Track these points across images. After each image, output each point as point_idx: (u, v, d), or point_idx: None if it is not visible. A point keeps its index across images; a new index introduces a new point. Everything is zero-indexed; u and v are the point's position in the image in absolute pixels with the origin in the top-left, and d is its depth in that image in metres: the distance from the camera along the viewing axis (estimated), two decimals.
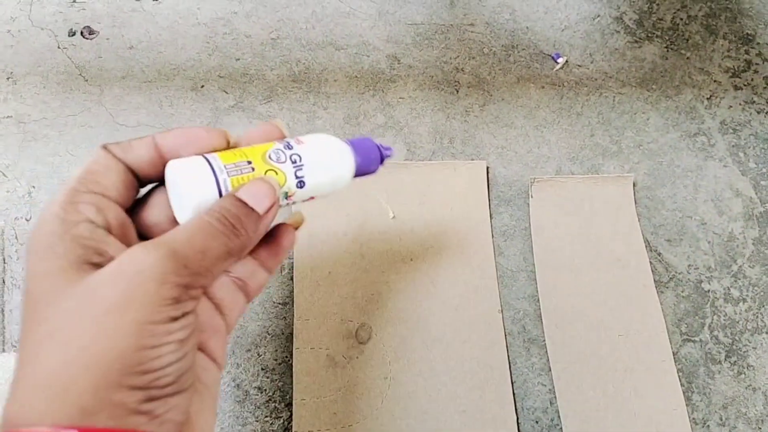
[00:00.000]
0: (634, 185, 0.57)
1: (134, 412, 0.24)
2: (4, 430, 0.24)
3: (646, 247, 0.55)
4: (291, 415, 0.47)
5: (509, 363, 0.50)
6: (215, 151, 0.32)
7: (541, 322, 0.51)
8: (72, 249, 0.26)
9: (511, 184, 0.57)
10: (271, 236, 0.36)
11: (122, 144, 0.30)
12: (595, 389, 0.49)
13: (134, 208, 0.31)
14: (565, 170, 0.58)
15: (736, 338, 0.52)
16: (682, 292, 0.53)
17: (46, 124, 0.56)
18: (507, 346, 0.50)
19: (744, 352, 0.52)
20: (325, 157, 0.35)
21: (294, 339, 0.49)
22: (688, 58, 0.65)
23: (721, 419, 0.49)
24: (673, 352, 0.51)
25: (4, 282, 0.50)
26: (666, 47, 0.65)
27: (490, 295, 0.52)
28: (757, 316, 0.53)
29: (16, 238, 0.51)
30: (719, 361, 0.51)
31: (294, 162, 0.33)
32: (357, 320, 0.50)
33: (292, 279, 0.51)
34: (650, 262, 0.54)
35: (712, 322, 0.53)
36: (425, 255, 0.53)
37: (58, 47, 0.60)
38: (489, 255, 0.53)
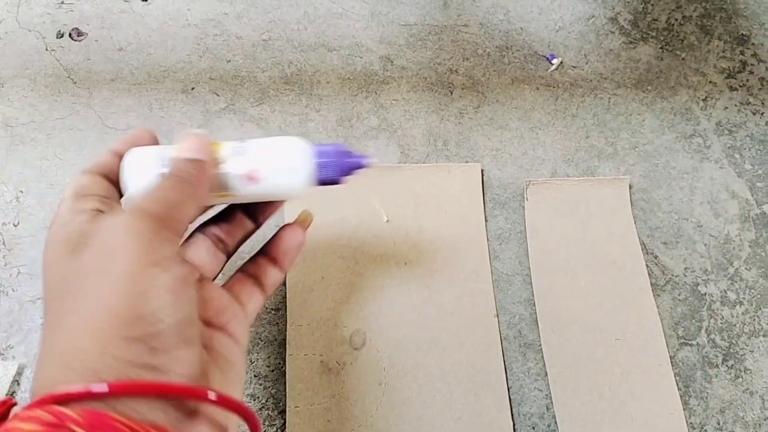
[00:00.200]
0: (629, 187, 0.57)
1: (139, 366, 0.26)
2: (35, 390, 0.26)
3: (642, 249, 0.54)
4: (284, 422, 0.46)
5: (505, 368, 0.49)
6: None
7: (537, 327, 0.51)
8: (74, 229, 0.30)
9: (506, 187, 0.56)
10: (280, 237, 0.39)
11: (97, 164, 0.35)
12: (592, 394, 0.49)
13: None
14: (560, 172, 0.57)
15: (733, 341, 0.52)
16: (679, 295, 0.53)
17: (33, 127, 0.55)
18: (503, 351, 0.50)
19: (741, 355, 0.51)
20: (273, 150, 0.35)
21: (287, 345, 0.48)
22: (683, 58, 0.64)
23: (719, 423, 0.49)
24: (670, 356, 0.50)
25: None
26: (661, 48, 0.65)
27: (486, 299, 0.51)
28: (754, 319, 0.53)
29: (4, 243, 0.50)
30: (716, 365, 0.51)
31: (236, 149, 0.35)
32: (351, 326, 0.49)
33: (284, 284, 0.50)
34: (646, 265, 0.53)
35: (708, 326, 0.52)
36: (420, 259, 0.52)
37: (46, 49, 0.59)
38: (484, 259, 0.53)
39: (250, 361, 0.48)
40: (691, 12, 0.67)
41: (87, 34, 0.60)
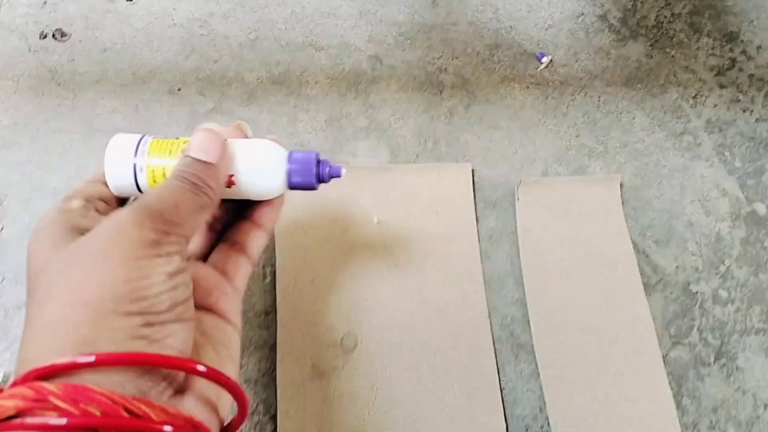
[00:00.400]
0: (621, 186, 0.56)
1: (133, 337, 0.26)
2: (19, 368, 0.26)
3: (634, 248, 0.54)
4: (275, 428, 0.46)
5: (498, 370, 0.49)
6: None
7: (530, 327, 0.51)
8: (63, 223, 0.30)
9: (496, 187, 0.56)
10: None
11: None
12: (585, 395, 0.48)
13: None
14: (551, 171, 0.57)
15: (725, 340, 0.52)
16: (671, 294, 0.53)
17: (17, 130, 0.54)
18: (495, 353, 0.50)
19: (733, 353, 0.51)
20: (248, 152, 0.36)
21: (277, 349, 0.48)
22: (672, 56, 0.64)
23: (711, 423, 0.49)
24: (662, 356, 0.50)
25: None
26: (651, 45, 0.65)
27: (478, 300, 0.51)
28: (746, 317, 0.53)
29: None
30: (708, 364, 0.51)
31: None
32: (342, 328, 0.49)
33: (274, 287, 0.50)
34: (638, 264, 0.53)
35: (700, 324, 0.52)
36: (411, 261, 0.52)
37: (29, 50, 0.58)
38: (476, 260, 0.52)
39: (241, 366, 0.48)
40: (680, 9, 0.67)
41: (71, 34, 0.59)
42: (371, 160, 0.56)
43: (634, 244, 0.54)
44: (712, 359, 0.51)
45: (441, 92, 0.60)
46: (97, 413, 0.24)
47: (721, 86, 0.63)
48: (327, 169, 0.38)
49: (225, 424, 0.32)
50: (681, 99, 0.62)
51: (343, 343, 0.48)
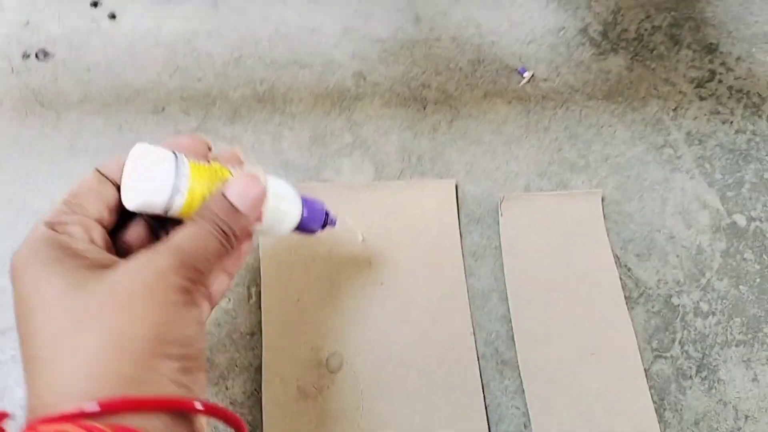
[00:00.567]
0: (602, 200, 0.57)
1: (173, 382, 0.27)
2: (39, 415, 0.25)
3: (615, 262, 0.55)
4: None
5: (482, 386, 0.49)
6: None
7: (514, 344, 0.51)
8: (76, 260, 0.29)
9: (480, 202, 0.56)
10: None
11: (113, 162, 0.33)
12: (569, 410, 0.49)
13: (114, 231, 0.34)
14: (533, 186, 0.58)
15: (706, 352, 0.52)
16: (653, 307, 0.54)
17: (1, 151, 0.54)
18: (480, 370, 0.50)
19: (714, 366, 0.52)
20: (279, 189, 0.37)
21: (263, 370, 0.48)
22: (653, 69, 0.65)
23: None
24: (645, 369, 0.51)
25: None
26: (631, 58, 0.65)
27: (462, 317, 0.51)
28: (726, 330, 0.53)
29: None
30: (690, 377, 0.51)
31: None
32: (327, 348, 0.49)
33: (260, 308, 0.50)
34: (620, 278, 0.54)
35: (682, 337, 0.53)
36: (396, 278, 0.52)
37: (12, 71, 0.58)
38: (460, 276, 0.53)
39: (226, 388, 0.48)
40: (660, 21, 0.68)
41: (54, 54, 0.59)
42: (356, 177, 0.56)
43: (616, 258, 0.55)
44: (693, 372, 0.52)
45: (424, 108, 0.60)
46: None
47: (701, 98, 0.64)
48: (331, 217, 0.40)
49: None
50: (661, 111, 0.63)
51: (329, 363, 0.49)
